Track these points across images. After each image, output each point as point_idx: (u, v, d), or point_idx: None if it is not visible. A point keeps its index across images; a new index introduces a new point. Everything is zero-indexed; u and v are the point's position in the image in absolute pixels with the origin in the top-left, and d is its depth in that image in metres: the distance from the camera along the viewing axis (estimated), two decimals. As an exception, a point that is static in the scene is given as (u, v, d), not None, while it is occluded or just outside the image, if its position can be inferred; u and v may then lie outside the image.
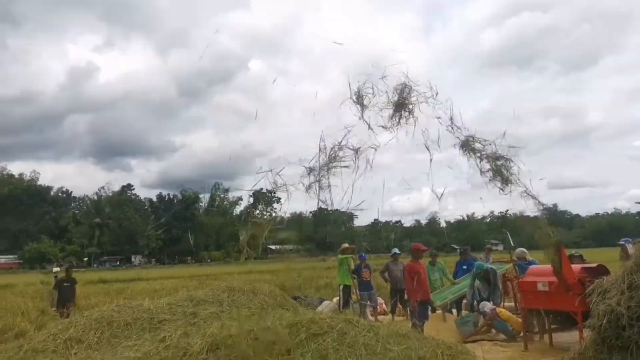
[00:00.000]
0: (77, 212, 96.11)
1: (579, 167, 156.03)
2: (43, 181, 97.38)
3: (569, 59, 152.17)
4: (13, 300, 17.60)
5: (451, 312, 11.11)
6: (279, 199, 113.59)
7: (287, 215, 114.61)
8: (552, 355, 7.17)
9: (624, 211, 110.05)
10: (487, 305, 9.32)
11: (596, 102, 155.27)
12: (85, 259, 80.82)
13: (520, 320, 8.67)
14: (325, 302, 12.60)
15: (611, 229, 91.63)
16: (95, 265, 78.81)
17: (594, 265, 8.17)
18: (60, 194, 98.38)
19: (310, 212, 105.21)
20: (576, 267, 7.82)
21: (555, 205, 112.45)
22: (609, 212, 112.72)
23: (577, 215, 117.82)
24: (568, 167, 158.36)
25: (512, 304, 10.40)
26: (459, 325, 9.32)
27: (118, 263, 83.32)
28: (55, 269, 17.46)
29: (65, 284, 11.77)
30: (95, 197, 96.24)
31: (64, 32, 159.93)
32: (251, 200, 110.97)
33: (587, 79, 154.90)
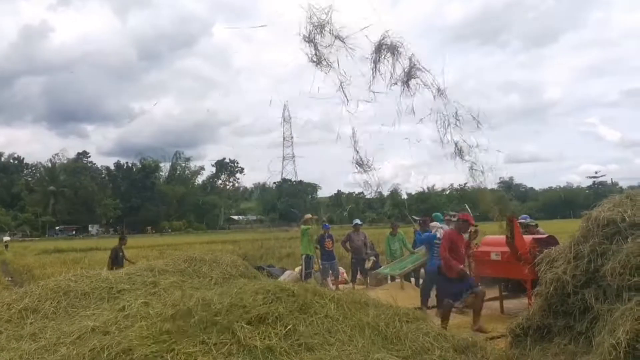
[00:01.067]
0: (30, 179, 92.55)
1: (536, 142, 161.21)
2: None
3: (531, 34, 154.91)
4: (-37, 269, 16.99)
5: (409, 281, 11.47)
6: (242, 168, 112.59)
7: (251, 185, 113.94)
8: (502, 321, 7.54)
9: (575, 185, 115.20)
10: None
11: (555, 79, 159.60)
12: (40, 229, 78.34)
13: None
14: (287, 272, 12.75)
15: (563, 201, 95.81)
16: (50, 234, 76.49)
17: (545, 236, 8.58)
18: (12, 160, 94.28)
19: (274, 183, 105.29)
20: (527, 237, 8.20)
21: (511, 179, 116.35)
22: (562, 186, 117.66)
23: (532, 189, 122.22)
24: (526, 142, 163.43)
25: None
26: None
27: (74, 232, 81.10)
28: (6, 238, 16.91)
29: (121, 254, 12.01)
30: (49, 164, 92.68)
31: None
32: (214, 170, 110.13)
33: (547, 55, 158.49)
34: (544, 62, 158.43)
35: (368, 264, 12.35)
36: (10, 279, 16.02)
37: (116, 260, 11.81)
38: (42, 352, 4.55)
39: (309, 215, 12.39)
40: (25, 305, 5.93)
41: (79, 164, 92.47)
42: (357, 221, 12.80)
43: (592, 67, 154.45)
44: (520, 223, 9.22)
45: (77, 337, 4.70)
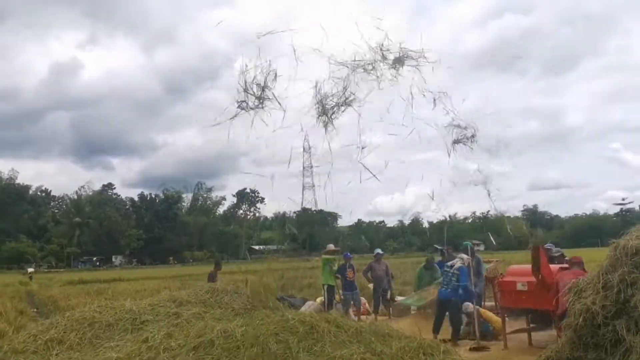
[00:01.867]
0: (56, 211, 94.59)
1: (559, 168, 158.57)
2: (22, 180, 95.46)
3: (550, 61, 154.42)
4: (-10, 301, 17.26)
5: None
6: (263, 198, 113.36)
7: (271, 215, 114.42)
8: (531, 353, 7.31)
9: (601, 212, 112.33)
10: (470, 306, 9.45)
11: (576, 105, 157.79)
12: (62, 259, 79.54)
13: (500, 319, 8.82)
14: (309, 303, 12.63)
15: (590, 229, 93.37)
16: (75, 265, 77.56)
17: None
18: (39, 193, 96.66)
19: (294, 212, 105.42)
20: (554, 267, 8.00)
21: (535, 206, 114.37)
22: (587, 213, 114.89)
23: (557, 216, 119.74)
24: (548, 169, 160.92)
25: (492, 303, 10.57)
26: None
27: (98, 263, 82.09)
28: (30, 270, 17.20)
29: (216, 279, 12.06)
30: (75, 196, 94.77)
31: (48, 28, 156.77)
32: (235, 200, 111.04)
33: (567, 82, 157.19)
34: (564, 89, 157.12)
35: (388, 295, 12.15)
36: (35, 310, 16.22)
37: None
38: (67, 384, 4.59)
39: (331, 246, 12.35)
40: (51, 336, 6.01)
41: (104, 196, 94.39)
42: (379, 250, 12.69)
43: (613, 93, 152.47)
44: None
45: (101, 369, 4.74)
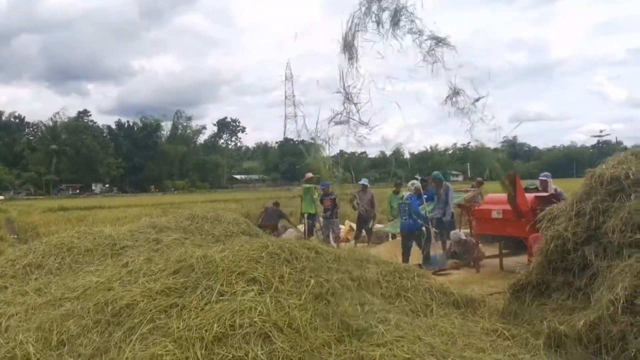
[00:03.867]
0: (31, 138, 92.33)
1: (542, 100, 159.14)
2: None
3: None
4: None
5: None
6: (244, 128, 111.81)
7: (253, 144, 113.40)
8: (502, 277, 7.63)
9: (579, 144, 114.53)
10: (461, 234, 9.71)
11: (562, 36, 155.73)
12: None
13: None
14: (289, 230, 12.85)
15: (567, 160, 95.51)
16: (54, 193, 77.06)
17: (546, 194, 8.56)
18: (12, 119, 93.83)
19: (276, 142, 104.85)
20: (529, 195, 8.18)
21: (514, 138, 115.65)
22: (566, 145, 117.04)
23: (535, 148, 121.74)
24: (531, 101, 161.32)
25: (468, 230, 10.89)
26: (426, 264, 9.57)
27: (78, 191, 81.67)
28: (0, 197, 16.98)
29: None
30: (51, 123, 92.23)
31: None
32: (215, 129, 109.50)
33: (557, 11, 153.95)
34: (553, 18, 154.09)
35: (370, 224, 12.39)
36: (15, 236, 16.21)
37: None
38: (47, 307, 4.63)
39: (309, 174, 12.35)
40: (30, 261, 6.00)
41: (80, 123, 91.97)
42: (364, 181, 12.79)
43: (600, 24, 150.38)
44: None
45: (81, 292, 4.77)
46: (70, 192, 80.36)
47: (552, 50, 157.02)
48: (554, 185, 9.35)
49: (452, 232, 9.91)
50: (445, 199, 10.31)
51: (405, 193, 9.29)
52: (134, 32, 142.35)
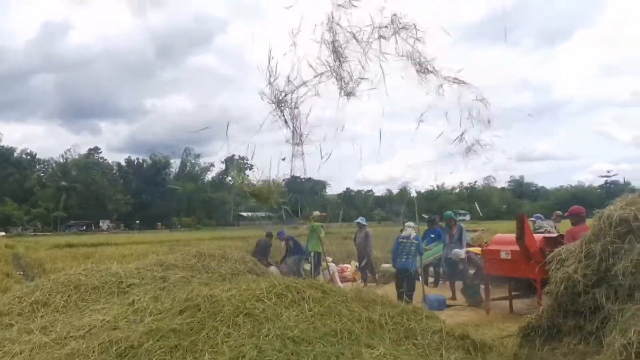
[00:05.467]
0: (42, 174, 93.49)
1: (548, 140, 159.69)
2: (7, 142, 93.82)
3: (543, 33, 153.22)
4: (-24, 263, 17.18)
5: (418, 279, 11.43)
6: (252, 165, 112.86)
7: (260, 182, 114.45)
8: (512, 320, 7.49)
9: (587, 184, 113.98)
10: (461, 253, 9.61)
11: (567, 77, 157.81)
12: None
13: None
14: (272, 268, 12.66)
15: (574, 200, 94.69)
16: (62, 229, 77.27)
17: (555, 235, 8.50)
18: (24, 156, 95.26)
19: (283, 180, 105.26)
20: (537, 236, 8.12)
21: (521, 177, 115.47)
22: (573, 185, 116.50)
23: (543, 187, 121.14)
24: (537, 140, 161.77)
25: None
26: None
27: (84, 227, 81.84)
28: (1, 233, 17.08)
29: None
30: (62, 160, 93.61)
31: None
32: (223, 166, 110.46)
33: (560, 53, 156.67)
34: (557, 61, 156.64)
35: (362, 263, 12.29)
36: (21, 273, 16.19)
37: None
38: (52, 346, 4.59)
39: (317, 212, 12.39)
40: (36, 298, 5.99)
41: (91, 160, 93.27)
42: (359, 220, 12.79)
43: (604, 66, 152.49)
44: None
45: (86, 331, 4.74)
46: (77, 228, 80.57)
47: (557, 91, 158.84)
48: (546, 225, 9.41)
49: (454, 251, 9.79)
50: (459, 240, 10.21)
51: (411, 233, 9.27)
52: (148, 71, 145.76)
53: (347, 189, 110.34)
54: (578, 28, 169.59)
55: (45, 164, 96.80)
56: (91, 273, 6.75)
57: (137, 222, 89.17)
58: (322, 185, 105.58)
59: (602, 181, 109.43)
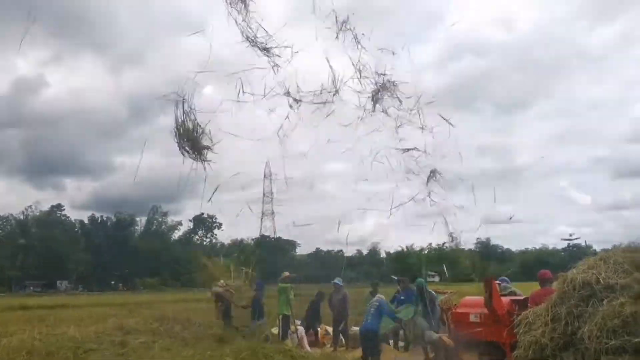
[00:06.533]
0: (0, 232, 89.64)
1: (511, 204, 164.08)
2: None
3: (503, 102, 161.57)
4: None
5: (388, 343, 11.21)
6: (220, 224, 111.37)
7: (228, 241, 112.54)
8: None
9: (550, 246, 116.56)
10: (433, 335, 9.49)
11: (526, 144, 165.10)
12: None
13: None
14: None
15: (539, 263, 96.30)
16: (16, 289, 73.21)
17: (522, 298, 8.58)
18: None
19: (252, 239, 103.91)
20: (505, 299, 8.18)
21: (487, 240, 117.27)
22: (537, 247, 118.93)
23: (508, 250, 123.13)
24: (501, 204, 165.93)
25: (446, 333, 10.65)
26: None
27: (40, 289, 77.66)
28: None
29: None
30: (22, 217, 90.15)
31: (13, 44, 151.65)
32: (191, 225, 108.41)
33: (519, 122, 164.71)
34: (516, 128, 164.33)
35: (341, 326, 12.04)
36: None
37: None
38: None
39: (286, 273, 12.21)
40: (-16, 366, 5.60)
41: (52, 217, 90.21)
42: (336, 281, 12.63)
43: (560, 135, 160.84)
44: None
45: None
46: (32, 289, 76.45)
47: (516, 156, 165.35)
48: (512, 287, 9.55)
49: (426, 332, 9.65)
50: (431, 310, 10.09)
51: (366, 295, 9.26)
52: (119, 129, 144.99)
53: (317, 248, 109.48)
54: (535, 98, 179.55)
55: (4, 220, 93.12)
56: (46, 337, 6.40)
57: (98, 282, 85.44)
58: (292, 244, 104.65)
59: (564, 244, 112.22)
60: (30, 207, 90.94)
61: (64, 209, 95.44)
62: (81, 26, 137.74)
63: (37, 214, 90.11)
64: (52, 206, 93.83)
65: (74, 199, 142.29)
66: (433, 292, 10.71)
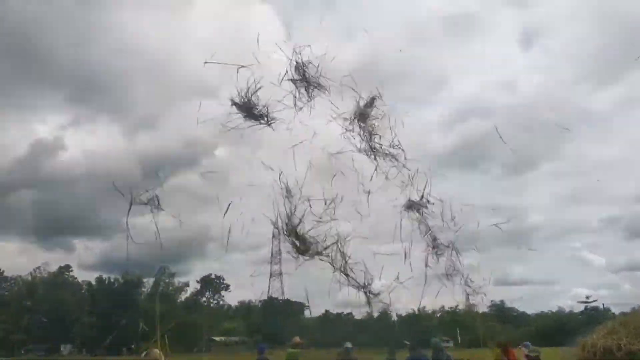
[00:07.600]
0: (6, 293, 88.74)
1: (524, 265, 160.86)
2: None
3: (511, 163, 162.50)
4: None
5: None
6: (228, 285, 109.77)
7: (236, 303, 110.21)
8: None
9: (567, 309, 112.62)
10: None
11: (537, 205, 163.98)
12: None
13: None
14: None
15: (557, 327, 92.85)
16: (19, 354, 71.45)
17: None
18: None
19: (260, 301, 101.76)
20: (524, 366, 7.91)
21: (502, 302, 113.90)
22: (553, 310, 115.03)
23: (524, 313, 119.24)
24: (514, 265, 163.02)
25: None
26: None
27: (43, 352, 75.72)
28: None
29: None
30: (29, 278, 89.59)
31: (33, 109, 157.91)
32: (199, 286, 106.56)
33: (528, 182, 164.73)
34: (525, 189, 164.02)
35: None
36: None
37: None
38: None
39: (297, 338, 11.92)
40: None
41: (60, 279, 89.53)
42: (348, 344, 12.28)
43: (570, 196, 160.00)
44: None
45: None
46: (36, 353, 74.56)
47: (528, 216, 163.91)
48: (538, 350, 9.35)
49: None
50: None
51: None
52: (131, 190, 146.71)
53: (326, 311, 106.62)
54: (543, 159, 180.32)
55: (12, 282, 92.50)
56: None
57: (103, 345, 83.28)
58: (300, 306, 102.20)
59: (581, 307, 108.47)
60: (38, 268, 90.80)
61: (72, 270, 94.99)
62: (100, 92, 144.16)
63: (45, 275, 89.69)
64: (60, 267, 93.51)
65: (82, 259, 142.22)
66: (450, 355, 10.38)
